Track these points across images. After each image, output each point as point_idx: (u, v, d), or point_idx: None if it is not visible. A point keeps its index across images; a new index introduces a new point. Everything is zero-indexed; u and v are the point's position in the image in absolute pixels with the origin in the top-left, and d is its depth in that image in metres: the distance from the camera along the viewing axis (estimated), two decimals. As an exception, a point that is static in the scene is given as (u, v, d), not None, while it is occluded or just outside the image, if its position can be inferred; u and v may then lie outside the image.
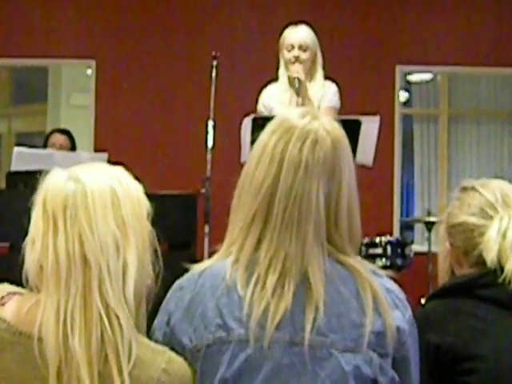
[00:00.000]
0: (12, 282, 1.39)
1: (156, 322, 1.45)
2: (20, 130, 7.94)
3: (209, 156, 3.86)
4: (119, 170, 1.41)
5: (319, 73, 3.98)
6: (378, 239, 4.32)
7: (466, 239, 1.76)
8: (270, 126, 1.46)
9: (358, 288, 1.36)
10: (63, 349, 1.25)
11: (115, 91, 6.18)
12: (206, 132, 3.87)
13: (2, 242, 3.76)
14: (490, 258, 1.69)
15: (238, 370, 1.32)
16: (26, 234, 1.34)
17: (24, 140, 7.34)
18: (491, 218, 1.72)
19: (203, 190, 3.82)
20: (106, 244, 1.31)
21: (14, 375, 1.27)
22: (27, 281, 1.33)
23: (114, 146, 5.27)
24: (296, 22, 4.00)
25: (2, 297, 1.34)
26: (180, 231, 3.72)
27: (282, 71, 4.00)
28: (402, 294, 1.43)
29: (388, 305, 1.36)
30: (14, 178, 4.04)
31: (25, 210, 1.37)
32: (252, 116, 3.52)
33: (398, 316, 1.38)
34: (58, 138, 4.82)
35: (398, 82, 6.27)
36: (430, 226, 5.01)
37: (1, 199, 3.86)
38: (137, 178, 1.42)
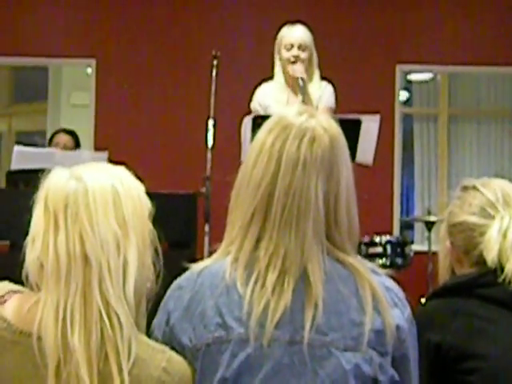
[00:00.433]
0: (13, 281, 1.39)
1: (155, 321, 1.45)
2: (20, 129, 7.93)
3: (209, 155, 3.86)
4: (120, 170, 1.42)
5: (316, 73, 3.97)
6: (377, 238, 4.32)
7: (466, 238, 1.76)
8: (267, 125, 1.46)
9: (358, 287, 1.36)
10: (62, 347, 1.25)
11: (115, 90, 6.18)
12: (206, 131, 3.87)
13: (3, 241, 3.76)
14: (491, 257, 1.69)
15: (238, 370, 1.32)
16: (26, 232, 1.34)
17: (24, 139, 7.35)
18: (492, 217, 1.72)
19: (203, 190, 3.82)
20: (107, 242, 1.31)
21: (14, 374, 1.27)
22: (27, 279, 1.33)
23: (114, 145, 5.27)
24: (293, 22, 3.99)
25: (2, 295, 1.34)
26: (180, 230, 3.72)
27: (277, 70, 3.98)
28: (401, 293, 1.43)
29: (387, 303, 1.36)
30: (14, 176, 4.04)
31: (25, 208, 1.37)
32: (252, 115, 3.52)
33: (398, 314, 1.38)
34: (63, 138, 4.82)
35: (399, 82, 6.26)
36: (429, 225, 5.00)
37: (1, 198, 3.86)
38: (137, 177, 1.42)
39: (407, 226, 6.73)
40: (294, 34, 3.90)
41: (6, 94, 8.01)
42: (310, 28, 3.96)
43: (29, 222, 1.35)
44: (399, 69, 6.26)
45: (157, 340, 1.40)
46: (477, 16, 6.23)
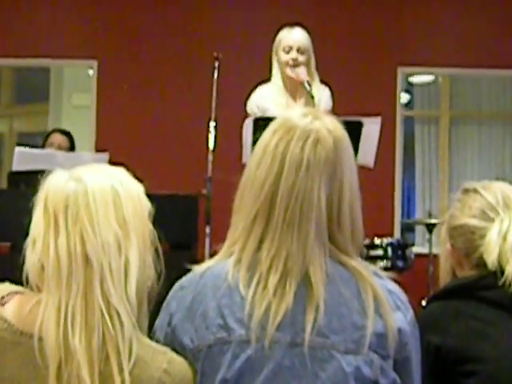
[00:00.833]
0: (13, 282, 1.39)
1: (157, 322, 1.45)
2: (21, 130, 7.93)
3: (210, 157, 3.86)
4: (120, 171, 1.42)
5: (316, 76, 3.97)
6: (378, 241, 4.31)
7: (466, 241, 1.76)
8: (271, 126, 1.46)
9: (360, 289, 1.36)
10: (63, 348, 1.25)
11: (117, 92, 6.18)
12: (208, 133, 3.87)
13: (4, 242, 3.77)
14: (491, 260, 1.69)
15: (239, 371, 1.32)
16: (27, 233, 1.34)
17: (25, 140, 7.34)
18: (492, 220, 1.72)
19: (204, 191, 3.82)
20: (108, 243, 1.31)
21: (15, 375, 1.27)
22: (28, 281, 1.33)
23: (115, 146, 5.26)
24: (292, 24, 3.98)
25: (3, 296, 1.34)
26: (181, 232, 3.73)
27: (275, 72, 3.97)
28: (403, 296, 1.43)
29: (389, 306, 1.36)
30: (16, 177, 4.04)
31: (26, 209, 1.37)
32: (253, 117, 3.52)
33: (400, 317, 1.37)
34: (58, 138, 4.81)
35: (400, 84, 6.27)
36: (430, 227, 5.00)
37: (2, 199, 3.86)
38: (138, 179, 1.43)
39: (408, 229, 6.73)
40: (293, 37, 3.89)
41: (7, 95, 8.02)
42: (309, 31, 3.95)
43: (29, 224, 1.35)
44: (400, 71, 6.26)
45: (159, 341, 1.40)
46: (478, 18, 6.23)
